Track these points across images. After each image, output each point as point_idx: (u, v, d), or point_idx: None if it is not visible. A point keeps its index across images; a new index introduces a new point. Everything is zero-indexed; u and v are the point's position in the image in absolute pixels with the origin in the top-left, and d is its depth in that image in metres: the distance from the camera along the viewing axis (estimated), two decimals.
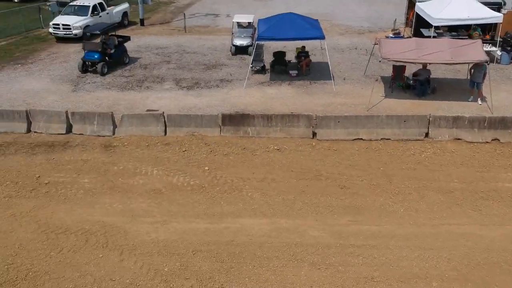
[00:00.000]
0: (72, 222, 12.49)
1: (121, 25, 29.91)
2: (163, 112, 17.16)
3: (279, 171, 14.85)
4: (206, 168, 15.00)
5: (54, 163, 15.19)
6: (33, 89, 20.77)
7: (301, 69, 22.44)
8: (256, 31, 22.94)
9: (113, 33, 23.93)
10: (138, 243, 11.77)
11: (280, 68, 22.64)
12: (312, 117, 16.82)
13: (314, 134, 16.77)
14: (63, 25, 27.33)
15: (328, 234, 12.05)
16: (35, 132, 17.05)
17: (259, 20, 22.89)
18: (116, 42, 23.41)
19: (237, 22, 26.11)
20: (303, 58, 22.64)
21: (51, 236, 12.00)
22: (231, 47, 25.62)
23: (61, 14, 28.56)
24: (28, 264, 11.06)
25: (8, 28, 29.52)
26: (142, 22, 31.92)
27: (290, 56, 23.36)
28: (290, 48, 24.52)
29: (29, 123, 17.12)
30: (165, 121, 16.96)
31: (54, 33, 27.65)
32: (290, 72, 22.25)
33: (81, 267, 11.01)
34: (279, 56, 22.88)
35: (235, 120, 16.92)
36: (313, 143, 16.42)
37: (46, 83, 21.51)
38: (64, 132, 16.92)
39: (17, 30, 29.36)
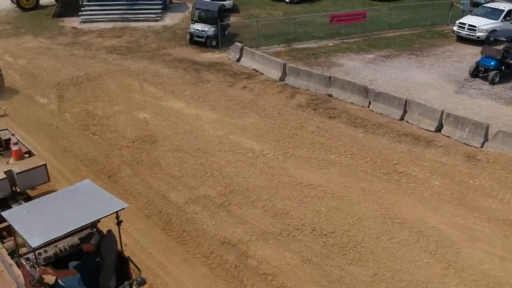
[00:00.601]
0: (411, 217, 12.55)
1: None
2: None
3: None
4: None
5: (413, 156, 15.45)
6: (418, 81, 21.37)
7: None
8: None
9: None
10: (467, 267, 10.92)
11: None
12: None
13: None
14: (469, 25, 26.74)
15: None
16: (406, 121, 17.63)
17: None
18: None
19: None
20: None
21: (387, 221, 12.41)
22: None
23: (471, 14, 27.98)
24: (359, 238, 11.83)
25: (415, 20, 30.95)
26: None
27: None
28: None
29: (404, 112, 17.79)
30: None
31: (457, 31, 27.41)
32: None
33: (403, 262, 11.05)
34: None
35: None
36: None
37: (432, 79, 21.76)
38: (433, 130, 16.89)
39: (423, 23, 30.48)
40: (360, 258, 11.24)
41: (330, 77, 19.98)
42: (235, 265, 11.02)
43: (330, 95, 19.74)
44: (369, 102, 18.75)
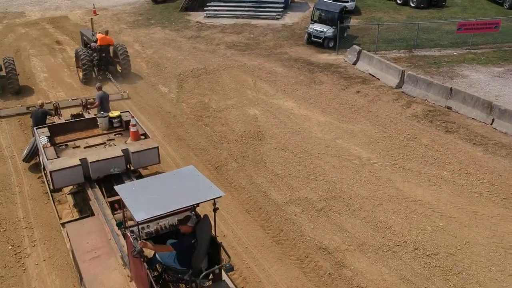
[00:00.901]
0: None
1: None
2: None
3: None
4: None
5: None
6: None
7: None
8: None
9: None
10: None
11: None
12: None
13: None
14: None
15: None
16: None
17: None
18: None
19: None
20: None
21: (499, 250, 11.34)
22: None
23: None
24: (465, 264, 10.93)
25: None
26: None
27: None
28: None
29: None
30: None
31: None
32: None
33: None
34: None
35: None
36: None
37: None
38: None
39: None
40: (464, 286, 10.38)
41: (451, 89, 18.75)
42: (329, 272, 10.74)
43: (449, 108, 18.52)
44: (493, 119, 17.28)
